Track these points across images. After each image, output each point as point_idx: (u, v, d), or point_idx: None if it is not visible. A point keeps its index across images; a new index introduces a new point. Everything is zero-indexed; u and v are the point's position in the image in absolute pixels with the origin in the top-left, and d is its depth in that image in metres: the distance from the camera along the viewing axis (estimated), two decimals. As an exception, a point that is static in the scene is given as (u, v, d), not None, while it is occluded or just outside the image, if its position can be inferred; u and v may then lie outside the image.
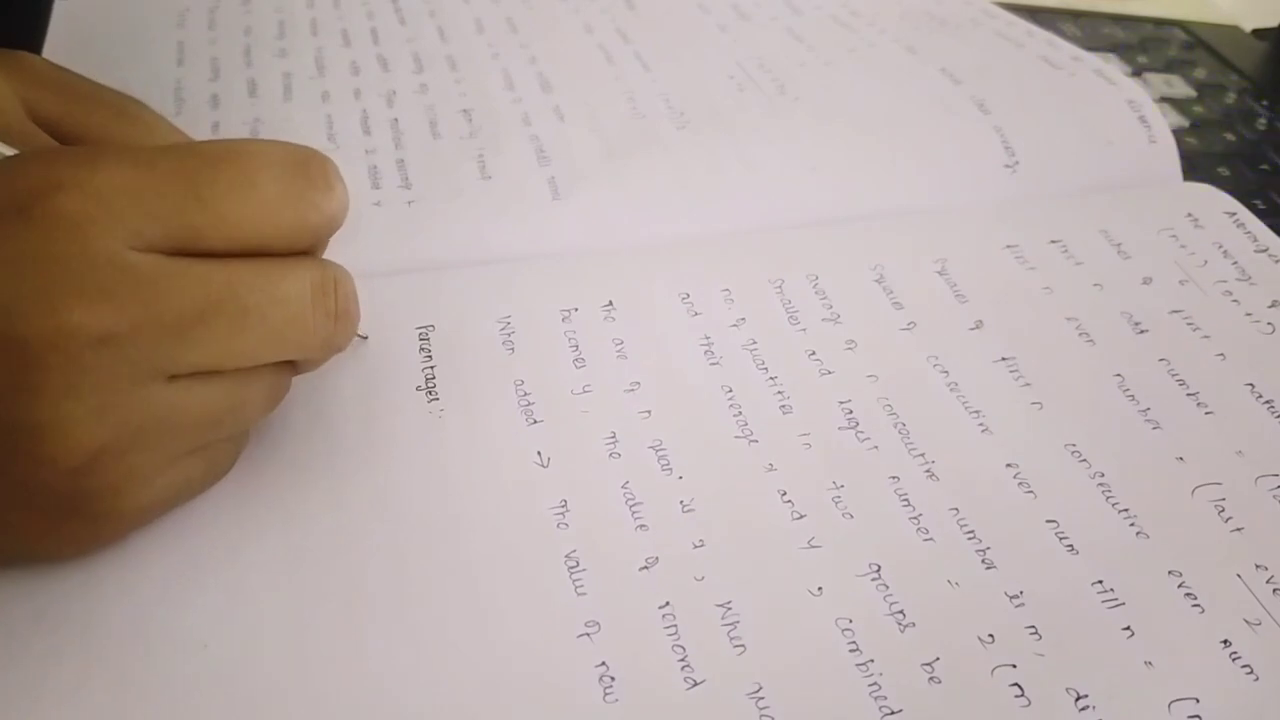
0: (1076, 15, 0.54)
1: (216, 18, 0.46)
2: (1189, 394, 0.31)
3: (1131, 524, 0.27)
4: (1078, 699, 0.23)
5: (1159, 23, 0.56)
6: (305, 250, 0.24)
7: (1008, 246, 0.36)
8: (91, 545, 0.24)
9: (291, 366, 0.26)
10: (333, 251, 0.34)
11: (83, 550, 0.24)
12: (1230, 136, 0.46)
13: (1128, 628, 0.25)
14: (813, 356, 0.31)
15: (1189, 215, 0.38)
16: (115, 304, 0.21)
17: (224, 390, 0.23)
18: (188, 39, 0.44)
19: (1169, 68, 0.51)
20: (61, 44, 0.43)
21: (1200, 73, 0.51)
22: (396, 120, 0.40)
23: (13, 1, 0.44)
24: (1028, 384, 0.31)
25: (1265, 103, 0.49)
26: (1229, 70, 0.52)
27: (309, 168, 0.24)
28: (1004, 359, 0.31)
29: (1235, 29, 0.56)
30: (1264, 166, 0.45)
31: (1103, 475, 0.28)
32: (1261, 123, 0.48)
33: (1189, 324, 0.33)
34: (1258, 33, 0.57)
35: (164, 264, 0.21)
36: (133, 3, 0.47)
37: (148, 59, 0.43)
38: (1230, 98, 0.49)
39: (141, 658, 0.23)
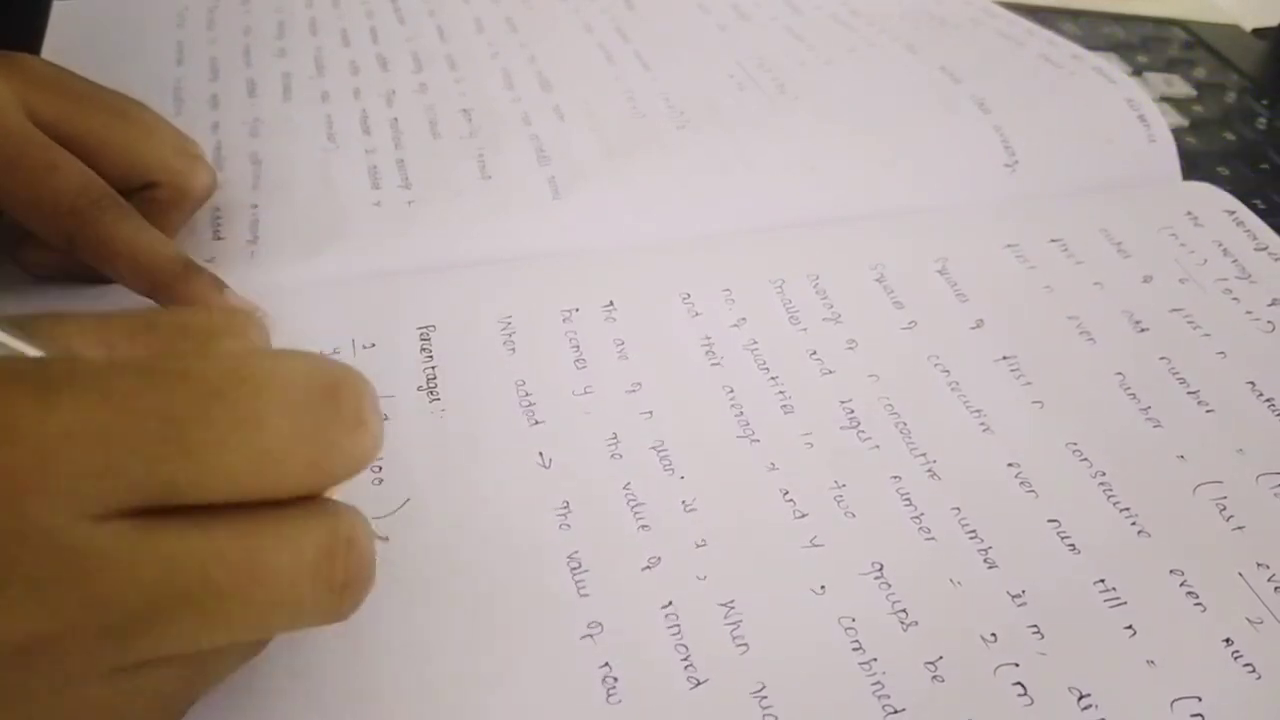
0: (1076, 15, 0.54)
1: (215, 17, 0.46)
2: (1189, 392, 0.31)
3: (1133, 523, 0.27)
4: (1080, 698, 0.23)
5: (1159, 22, 0.56)
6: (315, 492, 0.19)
7: (1008, 246, 0.36)
8: None
9: None
10: (332, 253, 0.34)
11: None
12: (1230, 136, 0.46)
13: (1129, 626, 0.25)
14: (814, 356, 0.31)
15: (1189, 214, 0.38)
16: (51, 602, 0.16)
17: (179, 674, 0.19)
18: (187, 39, 0.44)
19: (1169, 67, 0.51)
20: (60, 44, 0.43)
21: (1200, 72, 0.51)
22: (396, 120, 0.40)
23: (12, 2, 0.44)
24: (1029, 383, 0.31)
25: (1265, 102, 0.49)
26: (1229, 70, 0.52)
27: (338, 398, 0.18)
28: (1005, 358, 0.32)
29: (1235, 28, 0.56)
30: (1264, 166, 0.45)
31: (1104, 474, 0.28)
32: (1261, 122, 0.48)
33: (1189, 322, 0.33)
34: (1258, 32, 0.57)
35: (120, 541, 0.17)
36: (132, 3, 0.47)
37: (147, 59, 0.43)
38: (1230, 97, 0.49)
39: None
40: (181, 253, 0.30)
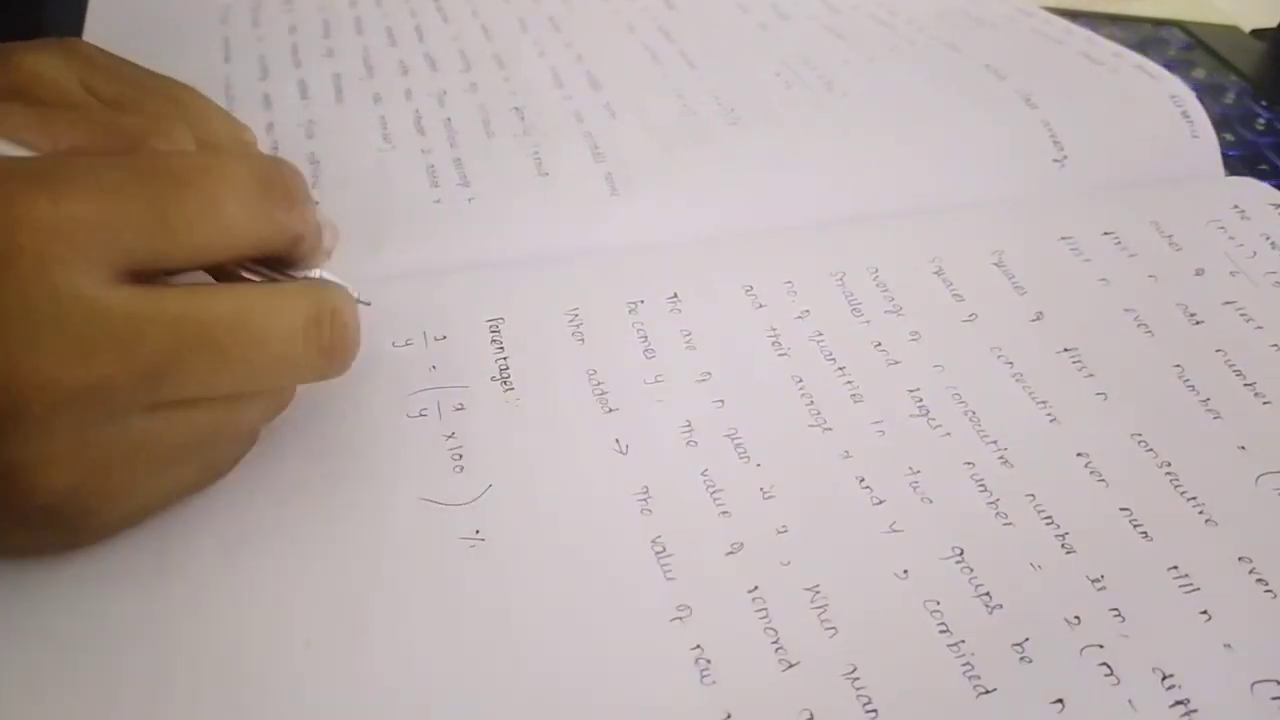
0: (1075, 16, 0.54)
1: (260, 15, 0.46)
2: (1246, 384, 0.31)
3: (1200, 511, 0.28)
4: (1164, 678, 0.24)
5: (1158, 23, 0.56)
6: (300, 257, 0.24)
7: (1062, 238, 0.36)
8: (70, 549, 0.24)
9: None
10: (396, 250, 0.34)
11: (62, 551, 0.24)
12: (1229, 137, 0.46)
13: (1204, 612, 0.25)
14: (879, 347, 0.31)
15: (1235, 207, 0.38)
16: (88, 355, 0.20)
17: (210, 415, 0.23)
18: (233, 35, 0.45)
19: (1168, 68, 0.51)
20: (99, 38, 0.43)
21: (1199, 73, 0.52)
22: (449, 120, 0.40)
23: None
24: (1091, 374, 0.31)
25: (1264, 103, 0.49)
26: (1228, 71, 0.52)
27: (271, 184, 0.23)
28: (1066, 350, 0.32)
29: (1234, 29, 0.56)
30: (1263, 167, 0.45)
31: (1169, 465, 0.29)
32: (1261, 123, 0.48)
33: (1242, 315, 0.34)
34: (1256, 33, 0.57)
35: (136, 303, 0.20)
36: (167, 3, 0.47)
37: (192, 55, 0.43)
38: (1229, 98, 0.50)
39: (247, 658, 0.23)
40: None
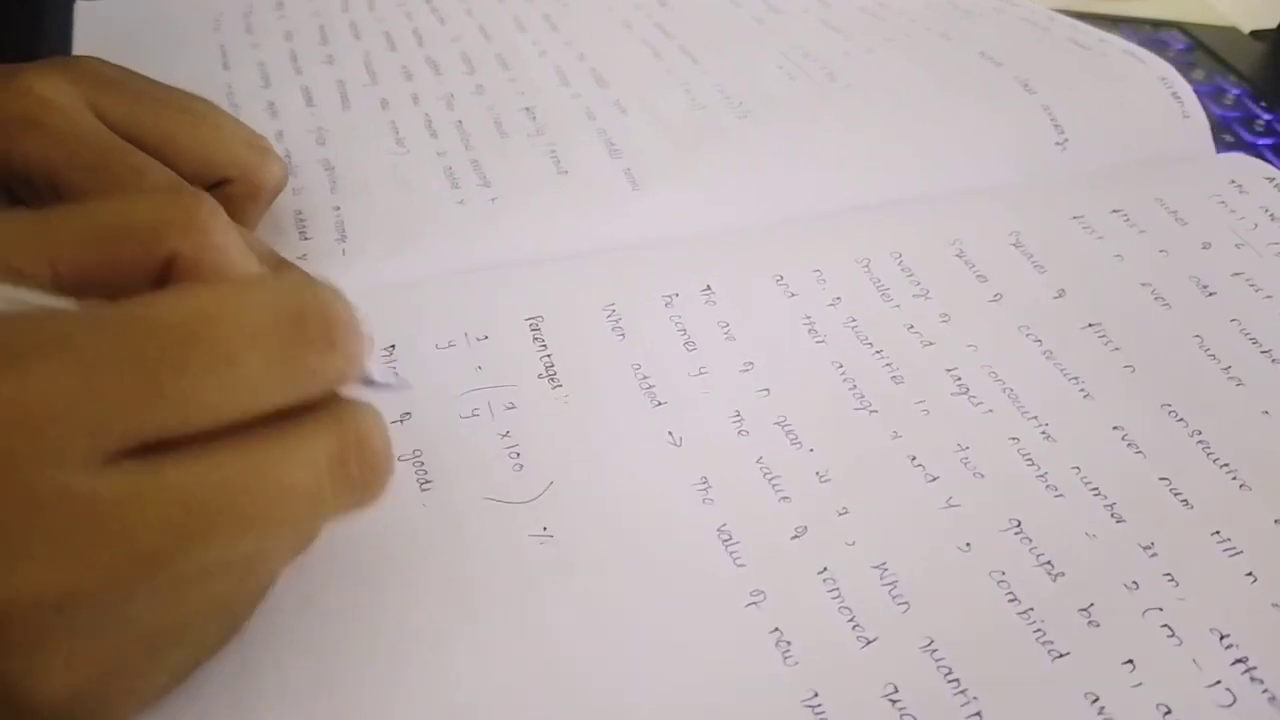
0: (1075, 17, 0.55)
1: (253, 22, 0.46)
2: (1263, 351, 0.33)
3: (1233, 477, 0.29)
4: (1222, 638, 0.25)
5: (1158, 24, 0.57)
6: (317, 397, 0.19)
7: (1074, 218, 0.37)
8: None
9: None
10: (424, 251, 0.34)
11: None
12: (1229, 138, 0.47)
13: (1250, 574, 0.26)
14: (911, 330, 0.32)
15: (1233, 182, 0.39)
16: (74, 556, 0.17)
17: (226, 580, 0.20)
18: (229, 43, 0.44)
19: None
20: (88, 46, 0.42)
21: (1199, 74, 0.52)
22: (461, 122, 0.40)
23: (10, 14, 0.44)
24: (1117, 349, 0.32)
25: (1264, 104, 0.50)
26: (1228, 72, 0.53)
27: (304, 323, 0.19)
28: (1090, 325, 0.33)
29: (1234, 30, 0.57)
30: None
31: (1200, 433, 0.30)
32: (1260, 124, 0.49)
33: (1251, 285, 0.35)
34: (1256, 34, 0.57)
35: (131, 484, 0.17)
36: (158, 4, 0.46)
37: (189, 61, 0.43)
38: (1229, 99, 0.50)
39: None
40: (271, 249, 0.30)
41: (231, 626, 0.22)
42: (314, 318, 0.19)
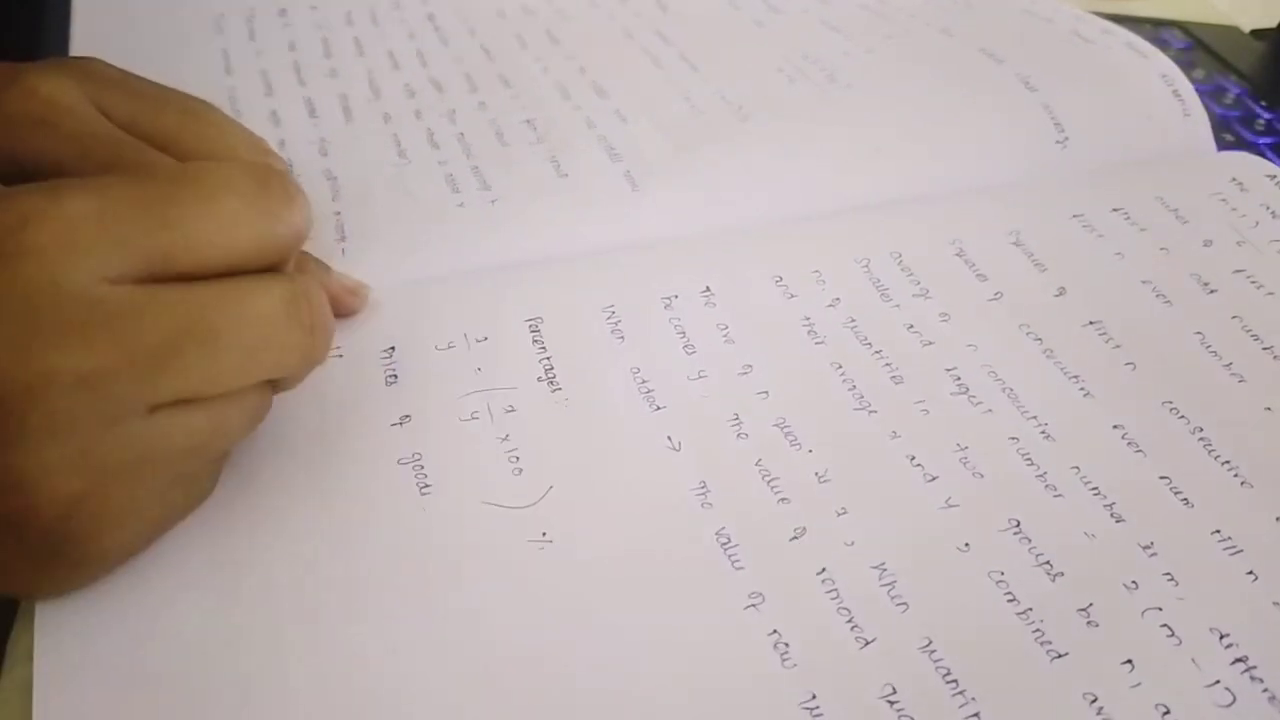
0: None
1: (255, 28, 0.46)
2: (1265, 348, 0.32)
3: (1235, 475, 0.29)
4: (1221, 638, 0.24)
5: (1157, 23, 0.56)
6: (274, 265, 0.24)
7: (1074, 216, 0.37)
8: (72, 585, 0.24)
9: (271, 385, 0.26)
10: (424, 253, 0.34)
11: (62, 590, 0.24)
12: (1229, 137, 0.47)
13: (1251, 572, 0.26)
14: (911, 330, 0.32)
15: (1233, 180, 0.39)
16: (89, 344, 0.20)
17: (205, 416, 0.23)
18: (231, 47, 0.45)
19: None
20: (86, 50, 0.42)
21: (1199, 73, 0.52)
22: (462, 134, 0.40)
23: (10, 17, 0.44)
24: (1118, 346, 0.32)
25: (1264, 103, 0.50)
26: (1228, 71, 0.53)
27: (268, 182, 0.24)
28: (1091, 323, 0.33)
29: (1234, 29, 0.57)
30: None
31: (1201, 430, 0.30)
32: (1260, 123, 0.48)
33: (1252, 282, 0.35)
34: (1256, 33, 0.57)
35: (134, 294, 0.21)
36: (156, 12, 0.47)
37: (191, 64, 0.43)
38: (1229, 98, 0.50)
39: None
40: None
41: (195, 494, 0.26)
42: (277, 179, 0.24)
